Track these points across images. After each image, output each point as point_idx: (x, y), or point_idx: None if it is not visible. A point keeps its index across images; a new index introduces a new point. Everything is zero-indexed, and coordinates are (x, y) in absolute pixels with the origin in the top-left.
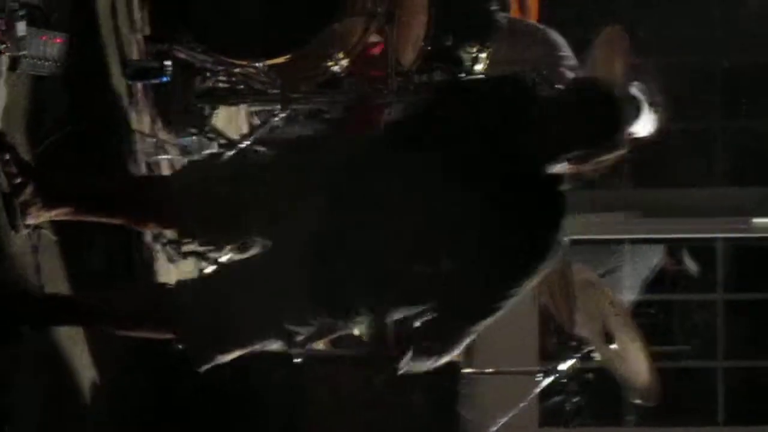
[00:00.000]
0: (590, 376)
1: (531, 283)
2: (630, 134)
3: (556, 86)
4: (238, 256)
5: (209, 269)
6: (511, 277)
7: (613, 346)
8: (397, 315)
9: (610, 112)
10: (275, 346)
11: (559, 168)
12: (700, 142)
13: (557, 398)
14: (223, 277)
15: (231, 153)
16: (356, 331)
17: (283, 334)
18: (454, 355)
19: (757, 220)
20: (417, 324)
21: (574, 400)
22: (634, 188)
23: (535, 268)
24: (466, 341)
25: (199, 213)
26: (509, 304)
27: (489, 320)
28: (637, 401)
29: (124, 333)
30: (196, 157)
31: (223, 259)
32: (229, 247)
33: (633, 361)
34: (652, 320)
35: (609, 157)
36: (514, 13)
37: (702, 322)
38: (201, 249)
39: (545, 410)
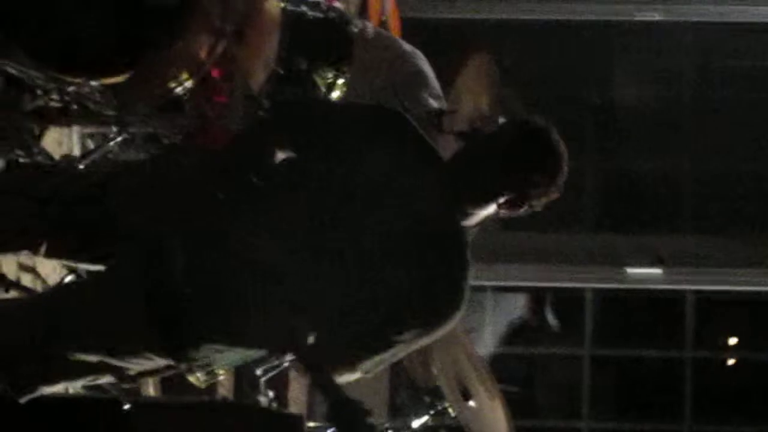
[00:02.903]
0: None
1: (422, 339)
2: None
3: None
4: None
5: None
6: (399, 322)
7: (470, 403)
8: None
9: (555, 155)
10: (105, 379)
11: (486, 213)
12: (570, 182)
13: None
14: (51, 298)
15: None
16: (193, 379)
17: (113, 369)
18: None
19: (632, 270)
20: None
21: None
22: (502, 231)
23: (434, 324)
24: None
25: (25, 232)
26: (393, 352)
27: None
28: None
29: None
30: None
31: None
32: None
33: (490, 419)
34: (512, 375)
35: (545, 200)
36: None
37: (566, 378)
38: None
39: None
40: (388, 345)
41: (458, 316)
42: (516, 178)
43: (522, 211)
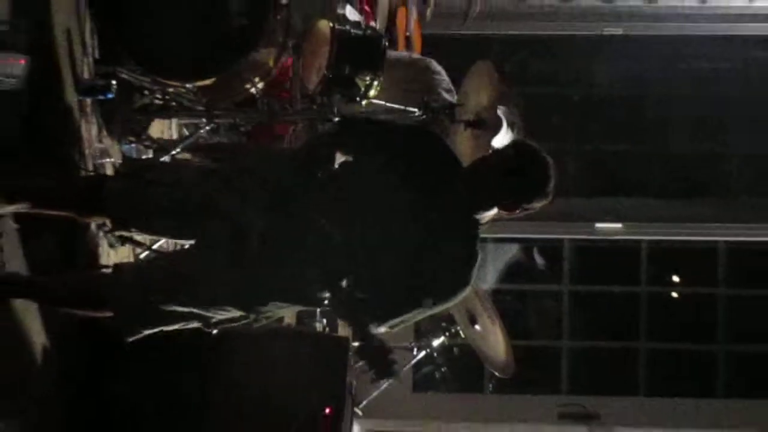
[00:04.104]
0: (456, 350)
1: (438, 307)
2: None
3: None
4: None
5: (143, 254)
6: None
7: (476, 327)
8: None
9: (544, 171)
10: (194, 325)
11: (492, 214)
12: (554, 159)
13: (428, 368)
14: (154, 263)
15: (166, 159)
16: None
17: (199, 317)
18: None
19: (599, 225)
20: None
21: (443, 370)
22: None
23: (447, 299)
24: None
25: (134, 209)
26: (420, 311)
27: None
28: (495, 373)
29: (69, 310)
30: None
31: (156, 246)
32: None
33: (492, 339)
34: (508, 306)
35: (537, 206)
36: (400, 48)
37: (550, 309)
38: (137, 236)
39: (418, 378)
40: (413, 308)
41: (467, 291)
42: (515, 188)
43: (518, 212)
